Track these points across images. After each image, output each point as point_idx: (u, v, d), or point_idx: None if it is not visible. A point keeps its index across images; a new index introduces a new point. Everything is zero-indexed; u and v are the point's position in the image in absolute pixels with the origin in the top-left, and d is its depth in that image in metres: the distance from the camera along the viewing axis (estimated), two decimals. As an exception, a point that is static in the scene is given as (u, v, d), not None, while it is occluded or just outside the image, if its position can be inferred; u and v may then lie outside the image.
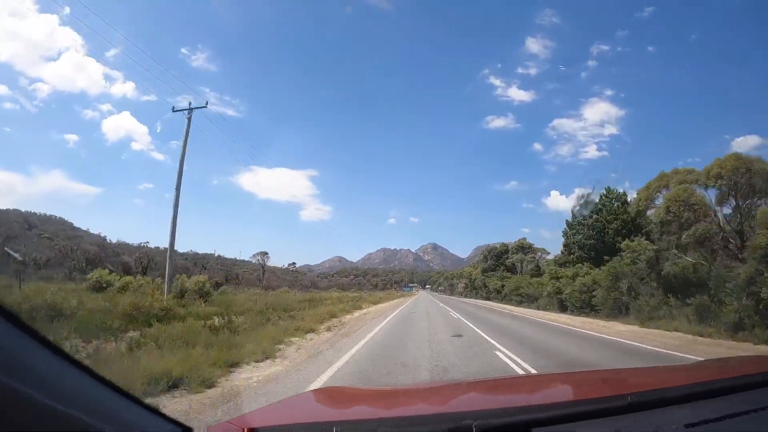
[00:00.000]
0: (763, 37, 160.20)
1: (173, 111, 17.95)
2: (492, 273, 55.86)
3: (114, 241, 66.79)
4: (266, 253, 72.36)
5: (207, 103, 18.26)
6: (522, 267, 51.72)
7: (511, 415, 1.33)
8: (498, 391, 2.14)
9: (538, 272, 42.42)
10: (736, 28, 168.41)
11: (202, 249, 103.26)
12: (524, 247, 56.06)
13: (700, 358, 6.60)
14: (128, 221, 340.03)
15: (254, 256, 72.80)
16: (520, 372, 6.35)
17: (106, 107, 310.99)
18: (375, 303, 34.14)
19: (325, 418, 1.52)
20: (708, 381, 1.72)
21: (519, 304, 34.97)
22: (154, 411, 1.01)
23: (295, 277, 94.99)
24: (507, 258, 57.32)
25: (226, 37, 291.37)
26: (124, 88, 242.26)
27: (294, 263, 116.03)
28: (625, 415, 1.32)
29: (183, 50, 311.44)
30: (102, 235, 66.15)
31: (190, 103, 17.83)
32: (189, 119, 17.37)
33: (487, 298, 51.77)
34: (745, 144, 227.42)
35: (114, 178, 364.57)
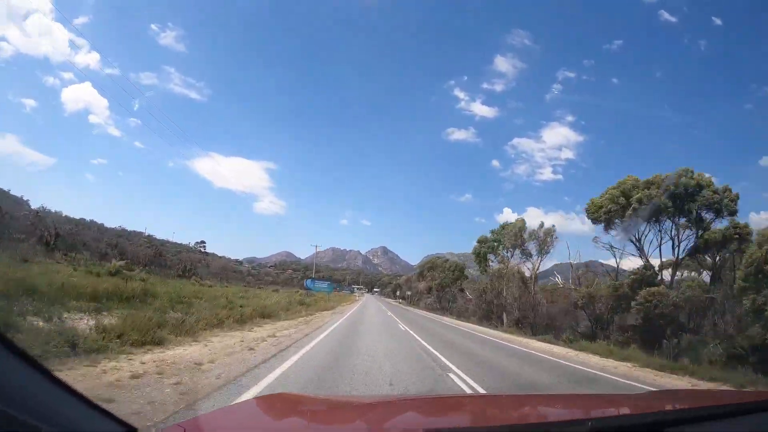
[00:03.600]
0: (725, 84, 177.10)
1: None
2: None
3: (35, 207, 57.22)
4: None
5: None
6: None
7: None
8: (450, 409, 2.00)
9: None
10: (703, 73, 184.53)
11: (132, 226, 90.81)
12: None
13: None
14: (77, 195, 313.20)
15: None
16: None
17: (68, 75, 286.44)
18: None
19: (273, 430, 1.44)
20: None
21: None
22: (100, 410, 0.93)
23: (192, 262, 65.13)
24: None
25: (198, 19, 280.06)
26: (89, 58, 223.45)
27: (203, 242, 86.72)
28: None
29: (153, 26, 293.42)
30: (24, 197, 56.13)
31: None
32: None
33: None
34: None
35: (68, 149, 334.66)
